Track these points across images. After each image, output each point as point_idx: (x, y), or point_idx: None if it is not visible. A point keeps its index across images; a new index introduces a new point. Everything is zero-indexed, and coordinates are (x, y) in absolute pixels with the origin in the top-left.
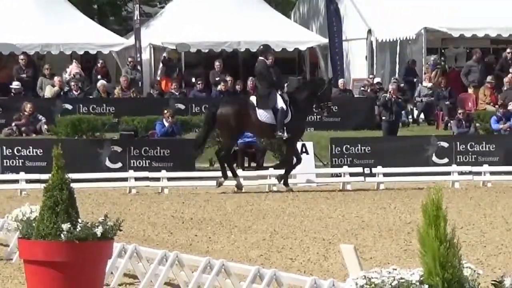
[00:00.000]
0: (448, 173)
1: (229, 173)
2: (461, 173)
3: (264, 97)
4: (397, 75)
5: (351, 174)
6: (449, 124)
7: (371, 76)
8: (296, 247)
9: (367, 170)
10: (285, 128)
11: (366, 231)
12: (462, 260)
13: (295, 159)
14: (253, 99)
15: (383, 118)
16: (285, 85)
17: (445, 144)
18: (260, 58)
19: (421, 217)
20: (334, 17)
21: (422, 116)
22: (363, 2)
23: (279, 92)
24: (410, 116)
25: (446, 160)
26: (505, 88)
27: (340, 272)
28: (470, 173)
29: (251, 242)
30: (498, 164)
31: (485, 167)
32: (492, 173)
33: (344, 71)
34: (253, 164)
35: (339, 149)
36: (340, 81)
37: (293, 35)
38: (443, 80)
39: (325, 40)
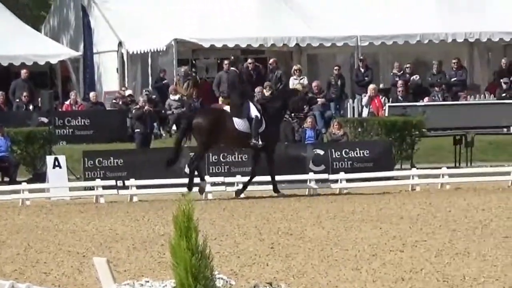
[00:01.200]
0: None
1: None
2: (214, 183)
3: (238, 106)
4: (150, 87)
5: (104, 187)
6: None
7: (123, 88)
8: (50, 261)
9: (120, 183)
10: (259, 136)
11: (120, 243)
12: (214, 271)
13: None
14: (227, 108)
15: (137, 130)
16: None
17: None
18: (232, 68)
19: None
20: (86, 29)
21: (174, 127)
22: (114, 15)
23: (252, 101)
24: (162, 128)
25: None
26: (257, 98)
27: (95, 285)
28: (223, 183)
29: (5, 257)
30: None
31: (238, 178)
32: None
33: (95, 84)
34: (6, 179)
35: (92, 162)
36: (92, 94)
37: (44, 48)
38: (195, 91)
39: (76, 53)
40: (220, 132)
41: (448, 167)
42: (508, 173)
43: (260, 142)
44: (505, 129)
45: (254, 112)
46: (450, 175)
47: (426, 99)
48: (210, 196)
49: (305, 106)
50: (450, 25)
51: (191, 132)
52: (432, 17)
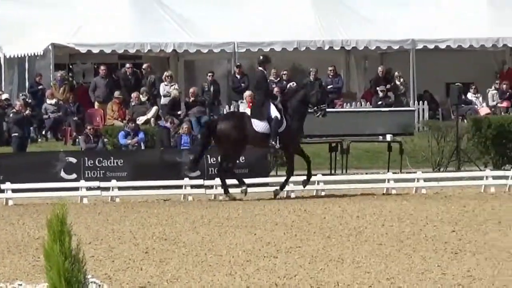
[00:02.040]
0: (76, 189)
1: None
2: (89, 188)
3: (258, 107)
4: (27, 91)
5: None
6: (77, 140)
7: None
8: None
9: None
10: (278, 137)
11: None
12: (88, 275)
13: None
14: (247, 111)
15: (14, 134)
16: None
17: (74, 160)
18: (259, 68)
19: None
20: None
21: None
22: None
23: (273, 102)
24: (38, 132)
25: (74, 175)
26: (133, 104)
27: None
28: (98, 188)
29: None
30: (126, 179)
31: (113, 182)
32: (120, 188)
33: None
34: None
35: None
36: None
37: None
38: (71, 96)
39: None
40: (241, 136)
41: (323, 174)
42: (383, 181)
43: (278, 145)
44: (380, 137)
45: (274, 112)
46: (326, 182)
47: None
48: (85, 201)
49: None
50: (327, 33)
51: (214, 138)
52: (310, 25)
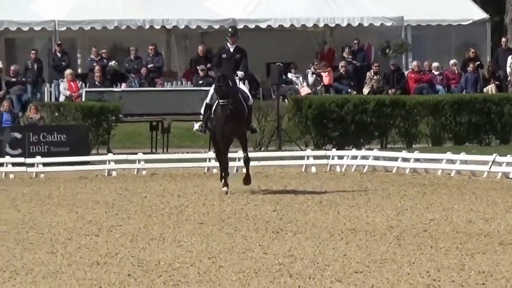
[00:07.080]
0: None
1: None
2: None
3: None
4: None
5: None
6: None
7: None
8: None
9: None
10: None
11: None
12: None
13: None
14: None
15: None
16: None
17: None
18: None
19: None
20: None
21: None
22: None
23: None
24: None
25: None
26: None
27: None
28: None
29: None
30: None
31: None
32: None
33: None
34: None
35: None
36: None
37: None
38: None
39: None
40: None
41: (144, 153)
42: (204, 160)
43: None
44: (201, 116)
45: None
46: (146, 161)
47: (123, 85)
48: None
49: None
50: (148, 12)
51: None
52: (131, 3)
